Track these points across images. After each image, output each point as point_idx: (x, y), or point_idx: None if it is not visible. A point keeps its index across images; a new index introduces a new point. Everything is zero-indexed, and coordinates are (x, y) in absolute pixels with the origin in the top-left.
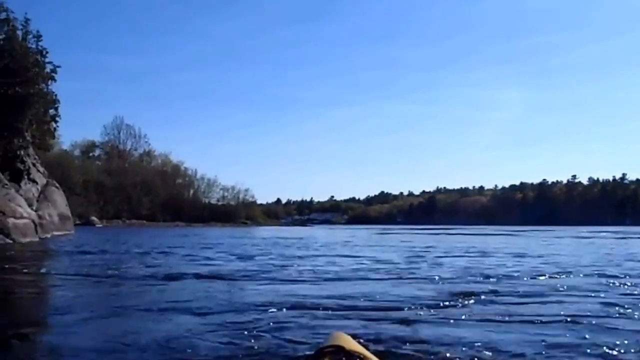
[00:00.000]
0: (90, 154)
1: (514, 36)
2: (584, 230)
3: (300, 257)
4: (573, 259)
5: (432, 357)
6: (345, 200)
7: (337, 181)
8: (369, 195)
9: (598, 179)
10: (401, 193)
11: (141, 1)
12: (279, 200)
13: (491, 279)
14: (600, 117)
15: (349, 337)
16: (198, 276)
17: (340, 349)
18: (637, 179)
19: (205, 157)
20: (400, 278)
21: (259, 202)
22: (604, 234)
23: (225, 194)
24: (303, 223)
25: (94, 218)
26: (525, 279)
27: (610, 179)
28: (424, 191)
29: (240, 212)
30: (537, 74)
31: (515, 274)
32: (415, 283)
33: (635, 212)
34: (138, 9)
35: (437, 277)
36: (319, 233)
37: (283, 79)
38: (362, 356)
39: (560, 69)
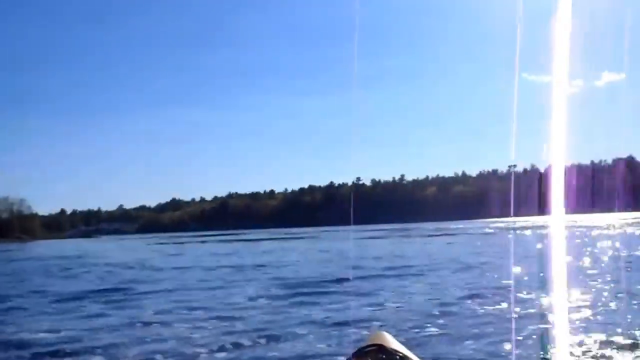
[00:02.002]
0: None
1: (312, 46)
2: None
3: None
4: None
5: None
6: (135, 209)
7: (126, 189)
8: (160, 203)
9: (380, 180)
10: (193, 199)
11: None
12: (63, 211)
13: None
14: (379, 122)
15: (390, 336)
16: None
17: (381, 348)
18: (414, 180)
19: None
20: None
21: (40, 213)
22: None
23: None
24: (89, 235)
25: None
26: None
27: (390, 180)
28: (215, 197)
29: (14, 226)
30: (327, 83)
31: None
32: None
33: (415, 210)
34: None
35: None
36: (107, 247)
37: (75, 85)
38: (403, 355)
39: (348, 79)
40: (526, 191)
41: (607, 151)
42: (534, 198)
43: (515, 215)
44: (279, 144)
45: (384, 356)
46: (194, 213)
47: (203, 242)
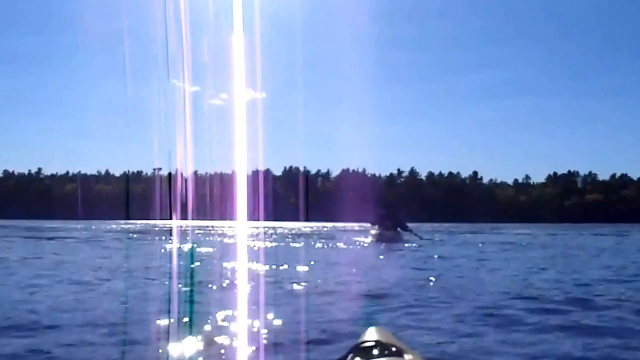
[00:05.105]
0: None
1: None
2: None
3: None
4: None
5: None
6: None
7: None
8: None
9: (14, 172)
10: None
11: None
12: None
13: None
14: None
15: (387, 331)
16: None
17: (378, 344)
18: (53, 175)
19: None
20: None
21: None
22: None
23: None
24: None
25: None
26: None
27: (27, 172)
28: None
29: None
30: None
31: None
32: None
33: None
34: None
35: None
36: None
37: None
38: (399, 350)
39: None
40: (169, 195)
41: (251, 163)
42: (175, 202)
43: (155, 218)
44: None
45: (381, 352)
46: None
47: None
